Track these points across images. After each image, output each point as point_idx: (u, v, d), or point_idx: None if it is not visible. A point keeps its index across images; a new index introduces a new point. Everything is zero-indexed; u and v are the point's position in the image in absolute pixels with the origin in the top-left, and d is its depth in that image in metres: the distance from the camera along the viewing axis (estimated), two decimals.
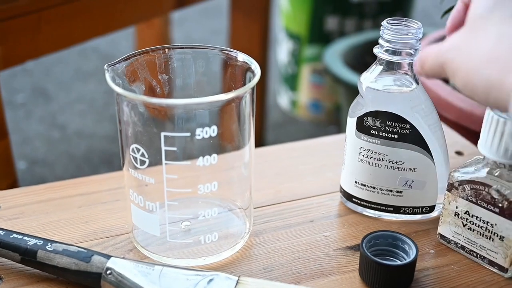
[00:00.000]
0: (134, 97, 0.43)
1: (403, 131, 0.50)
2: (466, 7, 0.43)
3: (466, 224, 0.49)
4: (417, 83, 0.50)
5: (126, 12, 0.97)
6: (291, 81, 1.76)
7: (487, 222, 0.47)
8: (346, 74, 1.36)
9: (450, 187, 0.49)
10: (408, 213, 0.53)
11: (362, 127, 0.51)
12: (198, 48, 0.50)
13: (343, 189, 0.55)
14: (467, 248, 0.50)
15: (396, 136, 0.50)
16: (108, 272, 0.44)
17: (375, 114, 0.50)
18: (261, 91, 1.48)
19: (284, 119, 1.75)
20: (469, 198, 0.48)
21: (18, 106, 1.75)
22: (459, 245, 0.50)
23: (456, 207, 0.49)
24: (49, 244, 0.46)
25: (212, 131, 0.43)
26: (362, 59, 1.48)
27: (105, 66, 0.46)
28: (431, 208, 0.53)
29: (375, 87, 0.50)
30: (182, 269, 0.45)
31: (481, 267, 0.49)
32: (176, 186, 0.45)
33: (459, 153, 0.65)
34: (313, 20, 1.62)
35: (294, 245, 0.51)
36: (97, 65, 2.00)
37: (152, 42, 1.51)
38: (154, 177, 0.45)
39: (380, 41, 0.49)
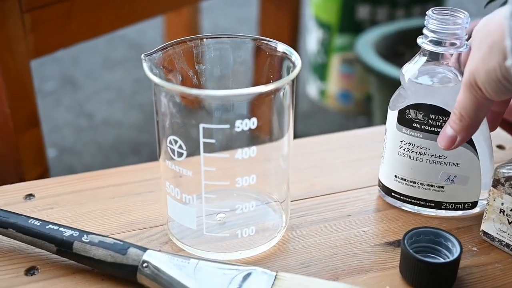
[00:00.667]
0: (173, 88, 0.42)
1: None
2: None
3: None
4: (461, 75, 0.48)
5: (156, 2, 0.96)
6: (321, 71, 1.74)
7: None
8: (378, 63, 1.33)
9: (496, 183, 0.47)
10: (449, 209, 0.52)
11: (403, 120, 0.49)
12: (236, 37, 0.49)
13: (381, 183, 0.54)
14: None
15: (439, 130, 0.48)
16: (145, 265, 0.44)
17: (417, 107, 0.49)
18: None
19: (313, 109, 1.73)
20: None
21: (48, 94, 1.76)
22: (503, 243, 0.49)
23: (502, 204, 0.47)
24: (85, 235, 0.46)
25: (252, 123, 0.42)
26: (394, 48, 1.46)
27: (142, 56, 0.45)
28: (474, 204, 0.52)
29: (419, 81, 0.48)
30: (218, 263, 0.45)
31: None
32: (213, 178, 0.44)
33: (500, 147, 0.63)
34: (344, 8, 1.60)
35: (331, 240, 0.50)
36: (125, 53, 2.01)
37: (181, 31, 1.50)
38: (192, 169, 0.45)
39: (425, 31, 0.48)
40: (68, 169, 1.41)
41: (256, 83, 0.45)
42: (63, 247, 0.45)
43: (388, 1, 1.55)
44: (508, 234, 0.48)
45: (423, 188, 0.51)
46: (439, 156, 0.49)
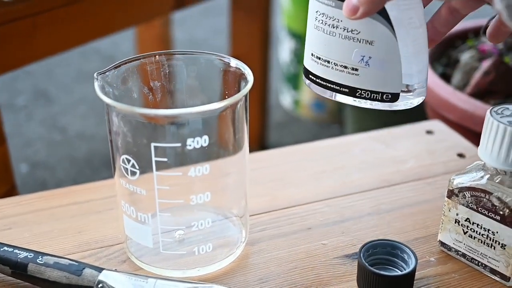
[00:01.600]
0: (123, 108, 0.41)
1: None
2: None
3: (467, 232, 0.48)
4: None
5: (125, 14, 0.96)
6: (294, 80, 1.74)
7: (488, 230, 0.46)
8: None
9: (450, 193, 0.48)
10: (365, 98, 0.46)
11: None
12: (190, 54, 0.49)
13: (304, 66, 0.49)
14: (468, 256, 0.48)
15: None
16: (100, 285, 0.43)
17: None
18: (263, 91, 1.46)
19: (287, 118, 1.74)
20: (470, 205, 0.47)
21: (20, 108, 1.74)
22: (460, 252, 0.49)
23: (457, 214, 0.48)
24: (40, 257, 0.45)
25: (204, 141, 0.42)
26: None
27: (95, 75, 0.45)
28: (394, 97, 0.46)
29: None
30: (176, 281, 0.44)
31: (483, 276, 0.48)
32: (168, 196, 0.44)
33: (461, 155, 0.64)
34: None
35: (291, 254, 0.50)
36: (99, 66, 2.00)
37: (152, 43, 1.50)
38: (146, 187, 0.44)
39: None
40: (41, 184, 1.40)
41: (213, 99, 0.45)
42: (18, 269, 0.45)
43: None
44: (464, 244, 0.48)
45: (337, 70, 0.46)
46: (352, 31, 0.44)
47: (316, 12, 0.45)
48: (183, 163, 0.44)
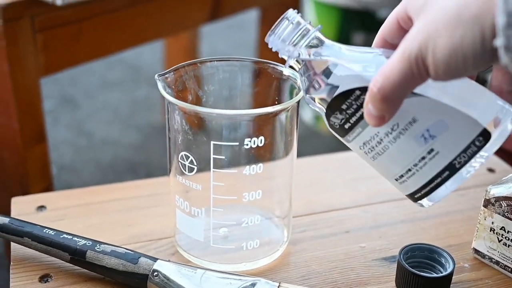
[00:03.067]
0: (187, 107, 0.44)
1: None
2: (399, 23, 0.40)
3: (502, 240, 0.50)
4: None
5: (161, 24, 0.99)
6: None
7: None
8: None
9: (487, 203, 0.50)
10: (467, 161, 0.40)
11: None
12: (244, 60, 0.52)
13: (409, 195, 0.43)
14: (502, 263, 0.51)
15: None
16: (155, 274, 0.46)
17: None
18: None
19: (307, 133, 1.77)
20: (506, 214, 0.49)
21: (46, 113, 1.78)
22: (493, 260, 0.51)
23: (492, 223, 0.50)
24: (98, 245, 0.48)
25: (260, 141, 0.45)
26: None
27: (156, 76, 0.48)
28: (485, 136, 0.39)
29: None
30: (223, 273, 0.47)
31: None
32: (222, 193, 0.47)
33: (491, 170, 0.66)
34: (340, 35, 1.64)
35: (330, 254, 0.53)
36: (122, 75, 2.04)
37: (180, 55, 1.53)
38: (201, 183, 0.47)
39: None
40: (67, 186, 1.43)
41: (261, 105, 0.48)
42: (77, 255, 0.48)
43: None
44: (498, 251, 0.51)
45: (422, 167, 0.41)
46: (393, 129, 0.41)
47: (359, 147, 0.42)
48: (237, 161, 0.47)
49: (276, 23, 0.43)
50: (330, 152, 0.74)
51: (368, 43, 0.42)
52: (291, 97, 0.48)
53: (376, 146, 0.41)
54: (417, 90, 0.38)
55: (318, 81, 0.42)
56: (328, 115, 0.42)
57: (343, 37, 1.64)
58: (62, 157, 1.57)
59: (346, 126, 0.41)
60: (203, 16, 1.07)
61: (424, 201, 0.42)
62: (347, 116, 0.41)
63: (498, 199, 0.49)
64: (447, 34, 0.33)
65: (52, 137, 1.65)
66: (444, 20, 0.34)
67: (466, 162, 0.40)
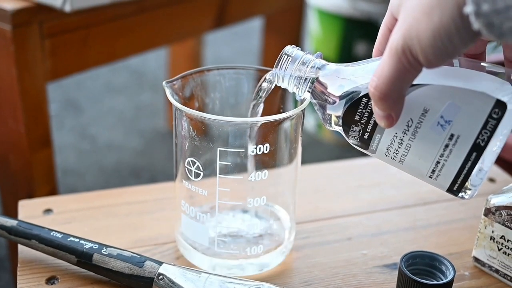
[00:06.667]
0: (194, 114, 0.45)
1: None
2: (390, 31, 0.40)
3: (502, 248, 0.51)
4: None
5: (168, 31, 1.00)
6: None
7: None
8: None
9: (487, 212, 0.51)
10: (494, 128, 0.39)
11: None
12: (249, 69, 0.53)
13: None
14: (501, 271, 0.51)
15: None
16: (160, 277, 0.47)
17: None
18: None
19: (310, 141, 1.77)
20: (506, 223, 0.50)
21: (51, 116, 1.79)
22: (493, 268, 0.52)
23: (492, 232, 0.51)
24: (104, 248, 0.49)
25: (266, 148, 0.46)
26: None
27: (164, 83, 0.49)
28: (501, 107, 0.38)
29: None
30: (227, 277, 0.48)
31: None
32: (227, 198, 0.48)
33: (491, 179, 0.67)
34: (343, 45, 1.65)
35: (333, 261, 0.54)
36: (127, 80, 2.05)
37: (184, 61, 1.54)
38: (207, 189, 0.48)
39: None
40: (71, 190, 1.44)
41: (267, 113, 0.49)
42: (83, 258, 0.49)
43: None
44: (498, 260, 0.51)
45: (456, 149, 0.40)
46: (409, 126, 0.41)
47: (385, 154, 0.42)
48: (242, 168, 0.48)
49: (277, 60, 0.46)
50: (332, 160, 0.75)
51: (370, 52, 0.44)
52: (295, 105, 0.49)
53: (399, 147, 0.41)
54: (418, 81, 0.39)
55: (328, 106, 0.43)
56: (346, 132, 0.43)
57: (346, 46, 1.65)
58: (66, 161, 1.58)
59: (366, 136, 0.42)
60: (209, 24, 1.08)
61: (467, 191, 0.41)
62: (363, 126, 0.42)
63: (499, 208, 0.50)
64: (426, 19, 0.34)
65: (56, 141, 1.66)
66: (420, 7, 0.34)
67: (490, 138, 0.39)
